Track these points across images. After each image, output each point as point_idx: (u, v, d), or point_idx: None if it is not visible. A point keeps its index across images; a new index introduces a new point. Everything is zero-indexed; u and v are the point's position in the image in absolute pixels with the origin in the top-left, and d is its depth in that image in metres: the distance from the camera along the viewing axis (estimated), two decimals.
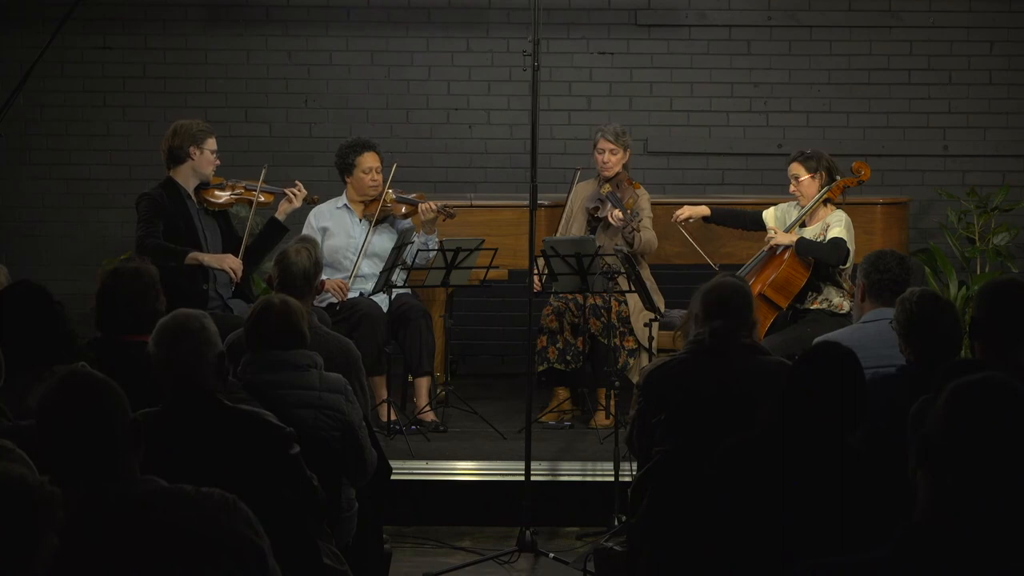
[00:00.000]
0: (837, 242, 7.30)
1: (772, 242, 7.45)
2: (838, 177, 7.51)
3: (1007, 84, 9.64)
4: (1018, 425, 2.46)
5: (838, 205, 7.53)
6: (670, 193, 8.74)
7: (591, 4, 9.63)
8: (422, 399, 7.72)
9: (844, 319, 7.10)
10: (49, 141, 9.67)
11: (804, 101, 9.66)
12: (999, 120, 9.66)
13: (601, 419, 7.73)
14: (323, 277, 7.63)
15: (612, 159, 7.96)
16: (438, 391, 7.94)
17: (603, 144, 7.98)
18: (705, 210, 7.83)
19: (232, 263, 7.10)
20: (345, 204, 7.89)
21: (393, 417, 7.48)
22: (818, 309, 7.42)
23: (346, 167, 7.87)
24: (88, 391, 3.01)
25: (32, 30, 9.24)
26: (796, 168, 7.52)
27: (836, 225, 7.39)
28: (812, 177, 7.47)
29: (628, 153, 8.03)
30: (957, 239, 9.28)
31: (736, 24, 9.65)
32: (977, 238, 9.25)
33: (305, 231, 7.72)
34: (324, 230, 7.82)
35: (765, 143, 9.63)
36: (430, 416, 7.67)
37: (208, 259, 7.10)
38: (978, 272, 9.21)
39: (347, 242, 7.82)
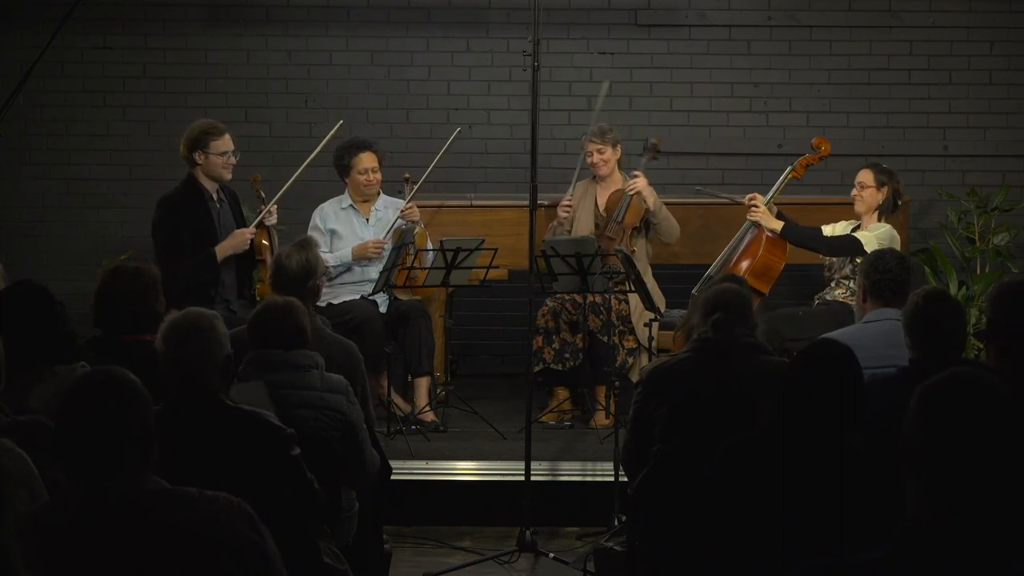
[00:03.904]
0: (850, 239, 7.27)
1: (757, 219, 7.39)
2: (900, 202, 7.45)
3: (1007, 84, 9.64)
4: (991, 416, 2.46)
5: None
6: (670, 193, 8.73)
7: (591, 4, 9.63)
8: (422, 399, 7.72)
9: None
10: (49, 141, 9.67)
11: (804, 101, 9.66)
12: (999, 120, 9.66)
13: (601, 419, 7.73)
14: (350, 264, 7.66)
15: (601, 157, 7.97)
16: (438, 391, 7.94)
17: (590, 146, 8.00)
18: (776, 227, 7.53)
19: (246, 234, 7.16)
20: (351, 205, 7.89)
21: (396, 412, 7.49)
22: (842, 303, 7.37)
23: (343, 168, 7.87)
24: (121, 389, 3.01)
25: (32, 30, 9.24)
26: (865, 175, 7.45)
27: (866, 230, 7.30)
28: (877, 190, 7.41)
29: (619, 149, 8.03)
30: (957, 239, 9.28)
31: (736, 24, 9.65)
32: (977, 238, 9.25)
33: (311, 231, 7.75)
34: (332, 232, 7.84)
35: (765, 143, 9.63)
36: (430, 416, 7.67)
37: (227, 247, 7.14)
38: (978, 272, 9.21)
39: (357, 244, 7.82)
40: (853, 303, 7.32)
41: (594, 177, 8.09)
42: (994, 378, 2.56)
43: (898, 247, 7.25)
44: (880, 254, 5.54)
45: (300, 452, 4.16)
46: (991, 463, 2.44)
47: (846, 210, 8.40)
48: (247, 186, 7.79)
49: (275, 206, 7.49)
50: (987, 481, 2.44)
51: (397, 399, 7.73)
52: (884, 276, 5.37)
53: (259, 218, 7.40)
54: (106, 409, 2.96)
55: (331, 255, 7.75)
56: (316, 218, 7.92)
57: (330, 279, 7.65)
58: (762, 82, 9.67)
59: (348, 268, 7.82)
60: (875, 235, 7.27)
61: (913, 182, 9.54)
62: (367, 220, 7.86)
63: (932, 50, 9.63)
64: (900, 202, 7.48)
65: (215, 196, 7.26)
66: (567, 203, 7.98)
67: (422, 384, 7.75)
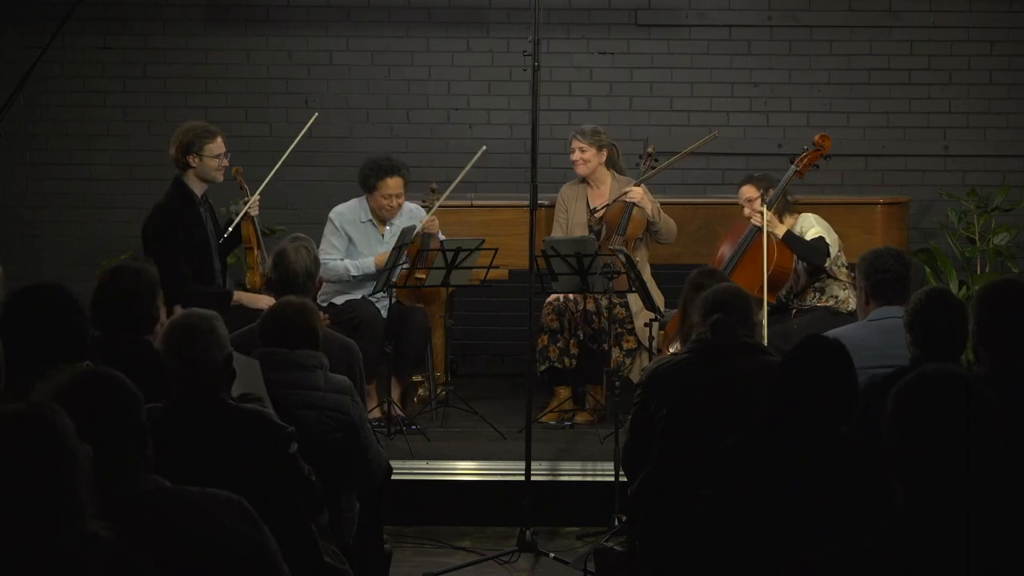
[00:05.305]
0: (818, 242, 7.36)
1: (760, 223, 7.39)
2: (790, 198, 7.52)
3: (1007, 84, 9.64)
4: (961, 411, 2.49)
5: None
6: (670, 193, 8.74)
7: (591, 4, 9.64)
8: (400, 401, 7.71)
9: (849, 317, 7.08)
10: (49, 141, 9.68)
11: (804, 101, 9.67)
12: (999, 120, 9.66)
13: (585, 416, 7.82)
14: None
15: (582, 156, 7.98)
16: (438, 391, 7.94)
17: (574, 144, 8.01)
18: (780, 232, 7.55)
19: (266, 303, 7.03)
20: (370, 220, 7.84)
21: (396, 413, 7.49)
22: (823, 307, 7.41)
23: (367, 186, 7.80)
24: (107, 389, 3.01)
25: (32, 30, 9.24)
26: (748, 191, 7.55)
27: (811, 227, 7.42)
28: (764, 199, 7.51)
29: (605, 153, 8.02)
30: (957, 239, 9.28)
31: (736, 24, 9.65)
32: (977, 238, 9.26)
33: (328, 235, 7.76)
34: (350, 239, 7.80)
35: (765, 143, 9.63)
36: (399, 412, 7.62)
37: (245, 297, 7.11)
38: (978, 272, 9.21)
39: (380, 254, 7.75)
40: (831, 304, 7.38)
41: (583, 180, 8.09)
42: (965, 372, 2.57)
43: (828, 227, 7.46)
44: (878, 253, 5.52)
45: (297, 448, 4.16)
46: (967, 456, 2.47)
47: (845, 209, 8.44)
48: (228, 181, 7.72)
49: (259, 196, 7.43)
50: (965, 474, 2.47)
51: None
52: (885, 275, 5.37)
53: (246, 208, 7.36)
54: (96, 412, 2.96)
55: (351, 264, 7.71)
56: (336, 221, 7.82)
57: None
58: (762, 82, 9.67)
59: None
60: (819, 228, 7.42)
61: (913, 182, 9.56)
62: (382, 236, 7.82)
63: (932, 50, 9.63)
64: (790, 198, 7.54)
65: (201, 199, 7.22)
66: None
67: (399, 387, 7.75)
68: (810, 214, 7.55)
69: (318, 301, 7.58)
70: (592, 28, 9.65)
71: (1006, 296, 4.24)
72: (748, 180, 7.66)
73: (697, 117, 9.62)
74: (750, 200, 7.54)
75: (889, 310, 5.24)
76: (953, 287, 8.95)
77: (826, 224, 7.50)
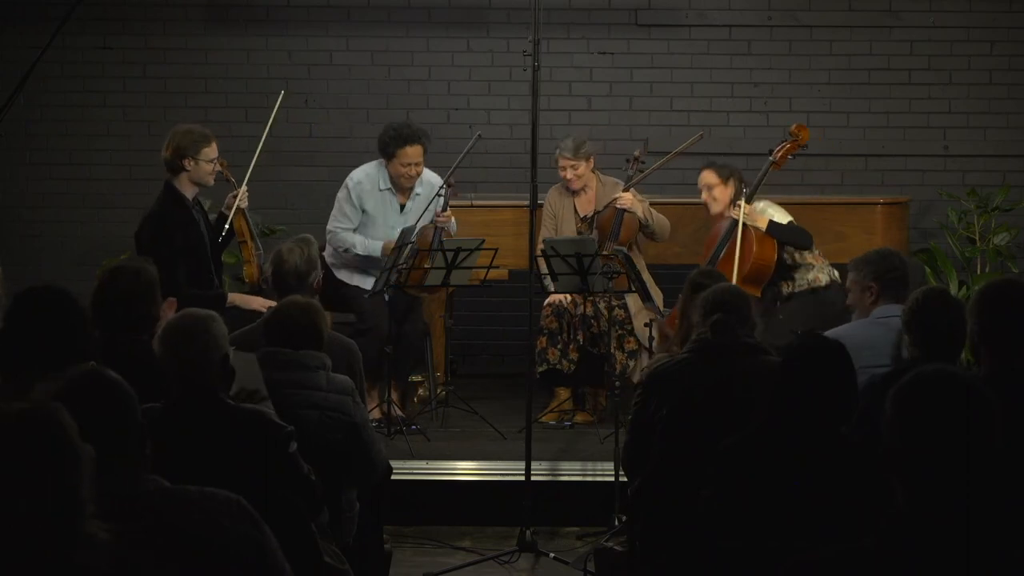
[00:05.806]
0: (799, 227, 7.37)
1: (742, 217, 7.36)
2: (745, 189, 7.49)
3: (1007, 84, 9.64)
4: (959, 410, 2.50)
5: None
6: (669, 193, 8.74)
7: (591, 4, 9.64)
8: (400, 401, 7.72)
9: (825, 292, 7.17)
10: (49, 141, 9.68)
11: (804, 101, 9.66)
12: (999, 120, 9.66)
13: (585, 416, 7.83)
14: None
15: (575, 173, 7.97)
16: (438, 391, 7.95)
17: (563, 162, 7.97)
18: (762, 224, 7.54)
19: (259, 304, 7.00)
20: (389, 188, 7.84)
21: (396, 413, 7.49)
22: (801, 292, 7.43)
23: (387, 154, 7.79)
24: (105, 390, 3.01)
25: (32, 30, 9.24)
26: (708, 176, 7.52)
27: (764, 211, 7.40)
28: (724, 185, 7.50)
29: (592, 161, 8.01)
30: (957, 239, 9.28)
31: (736, 24, 9.65)
32: (977, 238, 9.26)
33: (342, 202, 7.74)
34: (365, 212, 7.78)
35: (765, 143, 9.58)
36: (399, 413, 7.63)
37: (238, 298, 7.07)
38: (978, 272, 9.21)
39: (386, 233, 7.73)
40: (805, 287, 7.37)
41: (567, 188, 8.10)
42: (964, 372, 2.58)
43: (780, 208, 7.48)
44: (883, 254, 5.58)
45: (297, 447, 4.16)
46: (966, 456, 2.48)
47: (845, 209, 8.43)
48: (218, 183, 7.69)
49: (247, 188, 7.37)
50: (965, 474, 2.47)
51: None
52: (895, 274, 5.45)
53: (237, 202, 7.32)
54: (95, 412, 2.96)
55: (359, 242, 7.70)
56: (352, 192, 7.78)
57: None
58: (762, 82, 9.67)
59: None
60: (773, 211, 7.42)
61: (913, 182, 9.56)
62: (401, 208, 7.80)
63: (932, 50, 9.63)
64: (746, 190, 7.51)
65: (192, 202, 7.18)
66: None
67: (398, 387, 7.75)
68: (759, 202, 7.50)
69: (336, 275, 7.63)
70: (592, 28, 9.65)
71: (1006, 296, 4.24)
72: (709, 165, 7.63)
73: (697, 117, 9.61)
74: (709, 187, 7.54)
75: (892, 308, 5.27)
76: (953, 287, 8.95)
77: (778, 206, 7.49)
